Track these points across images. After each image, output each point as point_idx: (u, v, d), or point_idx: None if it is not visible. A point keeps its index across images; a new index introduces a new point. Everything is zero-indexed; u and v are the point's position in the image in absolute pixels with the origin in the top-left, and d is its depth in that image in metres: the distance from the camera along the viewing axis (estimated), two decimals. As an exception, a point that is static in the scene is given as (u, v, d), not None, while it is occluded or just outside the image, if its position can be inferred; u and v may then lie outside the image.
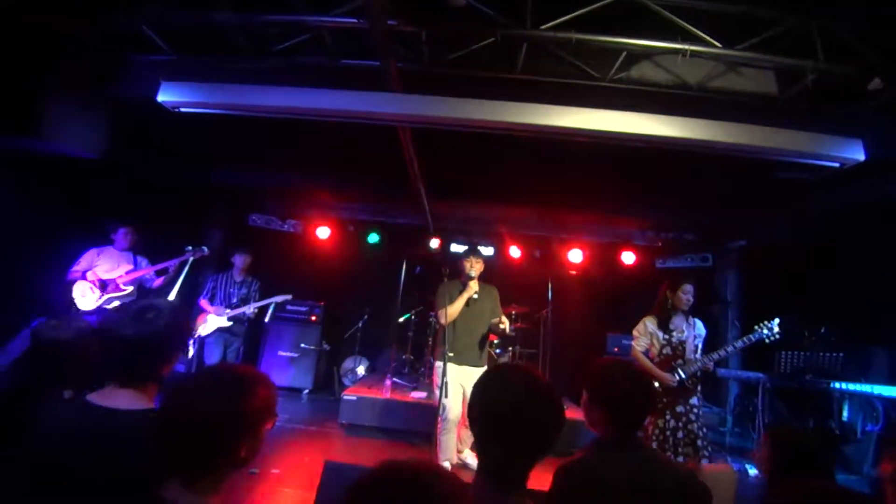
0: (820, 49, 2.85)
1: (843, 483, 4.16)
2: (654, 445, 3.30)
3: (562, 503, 1.35)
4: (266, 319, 5.22)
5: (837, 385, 4.85)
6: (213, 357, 4.69)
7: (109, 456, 1.12)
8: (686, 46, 2.73)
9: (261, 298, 4.95)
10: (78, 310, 4.15)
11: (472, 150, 4.45)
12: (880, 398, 4.68)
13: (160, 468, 0.99)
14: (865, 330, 5.03)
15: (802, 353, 5.05)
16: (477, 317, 3.81)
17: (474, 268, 3.80)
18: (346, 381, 6.47)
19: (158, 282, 4.49)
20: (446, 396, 3.60)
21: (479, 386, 1.23)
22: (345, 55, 3.24)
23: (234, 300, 4.85)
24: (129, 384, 1.27)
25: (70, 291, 4.17)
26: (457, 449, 3.90)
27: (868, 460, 4.64)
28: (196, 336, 4.63)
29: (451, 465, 3.80)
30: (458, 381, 3.70)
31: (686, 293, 3.49)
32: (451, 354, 3.70)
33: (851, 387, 4.81)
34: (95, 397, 1.25)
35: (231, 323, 4.76)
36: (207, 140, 4.81)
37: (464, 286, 3.77)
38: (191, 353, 4.58)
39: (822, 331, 5.16)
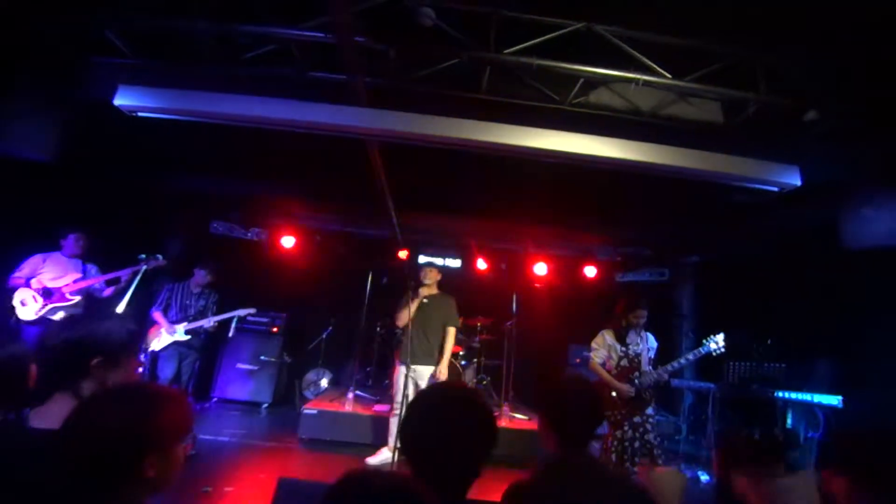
0: (762, 82, 3.08)
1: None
2: (613, 456, 3.41)
3: None
4: (229, 334, 5.03)
5: (781, 394, 5.13)
6: (166, 371, 4.45)
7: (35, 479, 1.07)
8: (639, 76, 2.89)
9: (220, 311, 4.76)
10: (18, 319, 3.91)
11: (440, 164, 4.51)
12: (821, 406, 4.97)
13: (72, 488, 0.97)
14: (807, 342, 5.34)
15: (749, 363, 5.33)
16: (426, 320, 4.40)
17: (427, 276, 4.49)
18: (307, 395, 6.34)
19: (108, 291, 4.27)
20: (398, 388, 4.19)
21: (409, 410, 1.26)
22: (313, 67, 3.24)
23: (192, 312, 4.65)
24: (69, 389, 1.23)
25: (10, 299, 3.93)
26: None
27: (810, 465, 4.92)
28: (149, 350, 4.41)
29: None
30: (411, 376, 4.13)
31: (640, 317, 3.68)
32: (404, 354, 4.20)
33: (794, 395, 5.09)
34: (34, 416, 1.21)
35: (188, 336, 4.56)
36: (168, 144, 4.66)
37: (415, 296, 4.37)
38: (139, 368, 4.38)
39: (768, 342, 5.46)
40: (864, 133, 3.26)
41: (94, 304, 4.31)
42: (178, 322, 4.56)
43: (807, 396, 5.00)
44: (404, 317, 4.31)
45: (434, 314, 4.45)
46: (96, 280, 4.23)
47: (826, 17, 2.64)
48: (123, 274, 4.20)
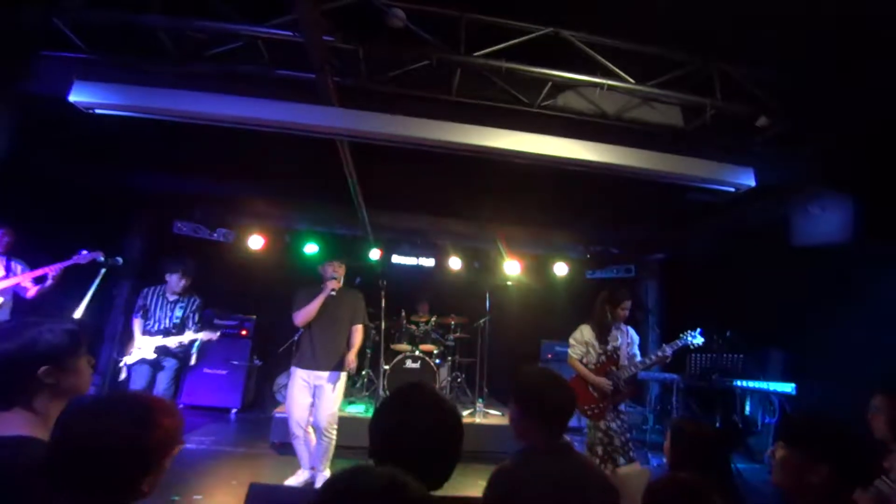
0: (718, 89, 3.23)
1: (747, 471, 4.64)
2: (600, 450, 3.31)
3: None
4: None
5: (739, 383, 5.41)
6: (137, 383, 4.04)
7: None
8: (604, 81, 2.99)
9: (201, 318, 4.40)
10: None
11: (411, 163, 4.52)
12: (776, 394, 5.28)
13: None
14: (763, 334, 5.64)
15: (709, 355, 5.58)
16: (333, 321, 3.81)
17: (336, 271, 3.90)
18: (279, 398, 6.22)
19: (33, 292, 3.85)
20: (293, 402, 3.68)
21: (380, 407, 1.28)
22: (280, 65, 3.18)
23: (169, 325, 4.21)
24: (20, 403, 1.18)
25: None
26: (317, 464, 3.74)
27: (768, 449, 5.20)
28: (125, 364, 4.05)
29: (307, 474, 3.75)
30: (310, 383, 3.69)
31: (625, 308, 3.54)
32: (303, 358, 3.74)
33: (751, 384, 5.39)
34: None
35: (155, 356, 4.11)
36: (128, 141, 4.47)
37: (323, 289, 3.78)
38: (123, 375, 4.05)
39: (727, 334, 5.73)
40: (809, 138, 3.47)
41: (20, 305, 3.89)
42: (154, 335, 4.17)
43: (763, 385, 5.29)
44: (309, 311, 3.72)
45: (341, 312, 3.86)
46: (23, 277, 3.82)
47: (770, 32, 2.81)
48: (52, 270, 3.78)
